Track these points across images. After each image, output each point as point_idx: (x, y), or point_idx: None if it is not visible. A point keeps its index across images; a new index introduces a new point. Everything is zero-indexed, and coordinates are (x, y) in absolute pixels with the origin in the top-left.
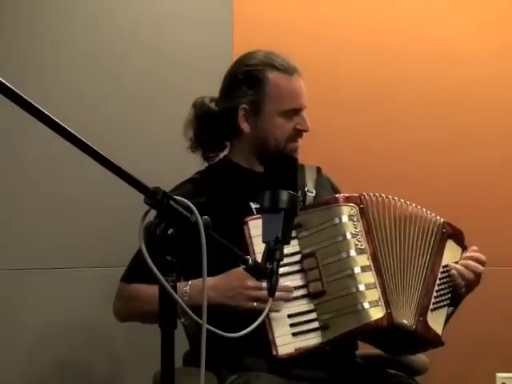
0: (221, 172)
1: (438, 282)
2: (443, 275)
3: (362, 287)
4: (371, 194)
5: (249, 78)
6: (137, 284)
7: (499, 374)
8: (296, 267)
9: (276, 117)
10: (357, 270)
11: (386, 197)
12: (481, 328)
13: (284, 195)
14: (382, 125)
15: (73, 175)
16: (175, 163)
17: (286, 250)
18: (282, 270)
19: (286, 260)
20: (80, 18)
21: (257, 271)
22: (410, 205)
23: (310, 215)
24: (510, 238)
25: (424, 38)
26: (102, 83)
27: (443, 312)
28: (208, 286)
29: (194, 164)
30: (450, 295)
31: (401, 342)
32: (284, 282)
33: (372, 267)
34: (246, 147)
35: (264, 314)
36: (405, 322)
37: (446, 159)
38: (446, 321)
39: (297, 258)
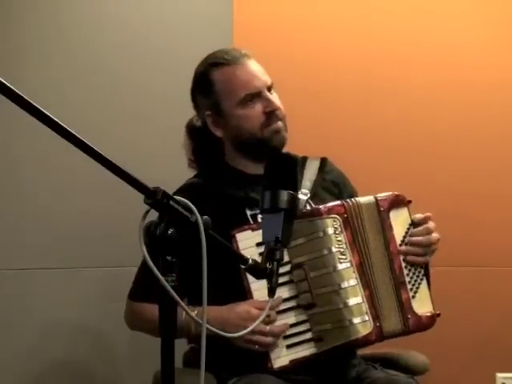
0: (215, 176)
1: (403, 264)
2: (406, 249)
3: (349, 302)
4: (352, 200)
5: (199, 86)
6: (141, 303)
7: (499, 374)
8: (286, 278)
9: (236, 110)
10: (343, 284)
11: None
12: (481, 328)
13: (284, 195)
14: (381, 125)
15: (73, 175)
16: (175, 163)
17: None
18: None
19: None
20: (80, 19)
21: (256, 271)
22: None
23: (299, 225)
24: (509, 238)
25: (426, 38)
26: (102, 83)
27: (424, 287)
28: (211, 316)
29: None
30: (419, 268)
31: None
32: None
33: (359, 280)
34: (230, 150)
35: (262, 316)
36: (395, 330)
37: (447, 159)
38: (428, 281)
39: (287, 268)
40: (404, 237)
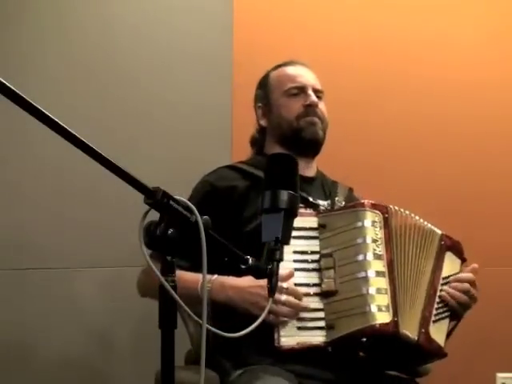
0: (256, 164)
1: (438, 293)
2: (443, 287)
3: (372, 290)
4: (396, 207)
5: (259, 85)
6: None
7: (499, 374)
8: (313, 265)
9: (281, 99)
10: (371, 273)
11: (410, 213)
12: (481, 328)
13: (284, 195)
14: (382, 123)
15: (73, 175)
16: (175, 163)
17: (306, 247)
18: (298, 266)
19: (303, 257)
20: (80, 19)
21: (257, 271)
22: (416, 218)
23: (335, 217)
24: (509, 238)
25: (426, 37)
26: (102, 83)
27: (445, 323)
28: (230, 285)
29: (195, 163)
30: (448, 308)
31: (402, 354)
32: (299, 278)
33: (386, 274)
34: (271, 141)
35: (264, 313)
36: (409, 333)
37: (448, 158)
38: (449, 334)
39: (315, 257)
40: (445, 277)
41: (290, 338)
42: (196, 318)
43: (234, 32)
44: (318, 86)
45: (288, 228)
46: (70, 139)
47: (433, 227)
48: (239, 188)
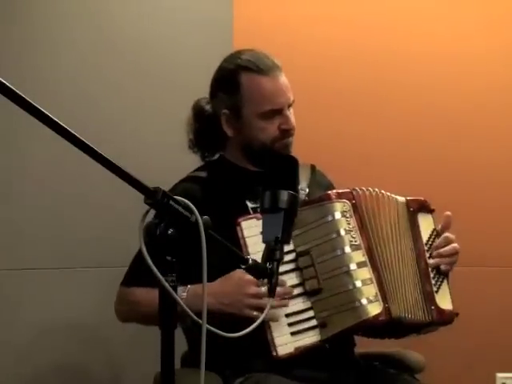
0: (217, 170)
1: (429, 263)
2: (431, 255)
3: (358, 283)
4: (363, 188)
5: (224, 84)
6: (137, 288)
7: (499, 374)
8: (291, 266)
9: (256, 120)
10: (352, 266)
11: (380, 191)
12: (481, 328)
13: (284, 195)
14: (380, 125)
15: (73, 175)
16: (174, 163)
17: None
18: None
19: None
20: (79, 17)
21: (257, 271)
22: (388, 194)
23: (303, 213)
24: (509, 238)
25: (424, 35)
26: (101, 83)
27: (445, 285)
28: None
29: (193, 163)
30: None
31: (406, 331)
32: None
33: (368, 263)
34: (235, 149)
35: (264, 314)
36: (401, 314)
37: (445, 157)
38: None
39: (291, 256)
40: (427, 241)
41: (285, 345)
42: (196, 318)
43: (234, 35)
44: (291, 98)
45: (288, 228)
46: (69, 139)
47: (396, 197)
48: (202, 202)
